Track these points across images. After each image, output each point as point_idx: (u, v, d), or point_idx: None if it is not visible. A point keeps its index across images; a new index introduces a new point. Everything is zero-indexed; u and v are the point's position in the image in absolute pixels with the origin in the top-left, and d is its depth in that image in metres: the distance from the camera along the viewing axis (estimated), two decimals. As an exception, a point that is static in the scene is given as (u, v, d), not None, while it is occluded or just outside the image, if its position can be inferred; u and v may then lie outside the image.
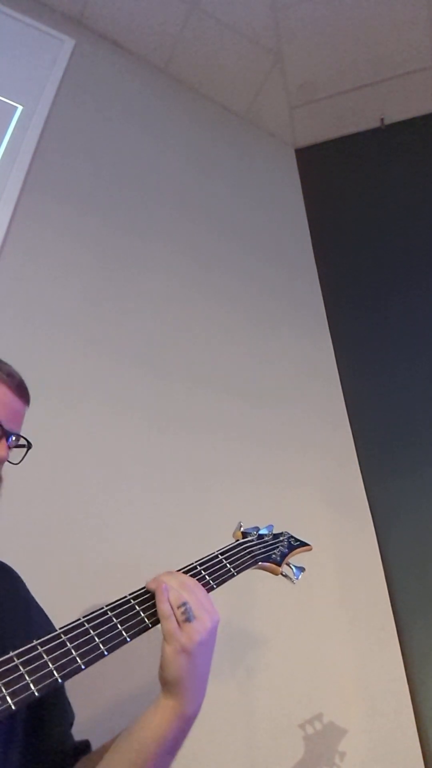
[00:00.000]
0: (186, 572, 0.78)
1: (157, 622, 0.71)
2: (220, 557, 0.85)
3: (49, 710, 0.79)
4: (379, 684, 1.45)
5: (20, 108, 1.89)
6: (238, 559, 0.87)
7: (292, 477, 1.68)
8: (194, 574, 0.78)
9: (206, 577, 0.79)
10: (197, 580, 0.77)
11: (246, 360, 1.86)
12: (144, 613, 0.70)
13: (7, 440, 0.82)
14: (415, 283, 2.10)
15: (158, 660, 0.71)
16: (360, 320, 2.10)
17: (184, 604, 0.71)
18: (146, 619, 0.70)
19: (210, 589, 0.77)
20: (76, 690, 0.83)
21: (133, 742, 0.72)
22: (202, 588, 0.75)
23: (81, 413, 1.47)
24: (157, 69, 2.40)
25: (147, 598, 0.73)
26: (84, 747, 0.81)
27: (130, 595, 0.72)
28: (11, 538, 1.03)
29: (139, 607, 0.71)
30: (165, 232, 1.98)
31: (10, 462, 0.86)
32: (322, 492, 1.69)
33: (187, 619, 0.70)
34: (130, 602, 0.71)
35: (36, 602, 0.88)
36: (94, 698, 1.09)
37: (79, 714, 0.84)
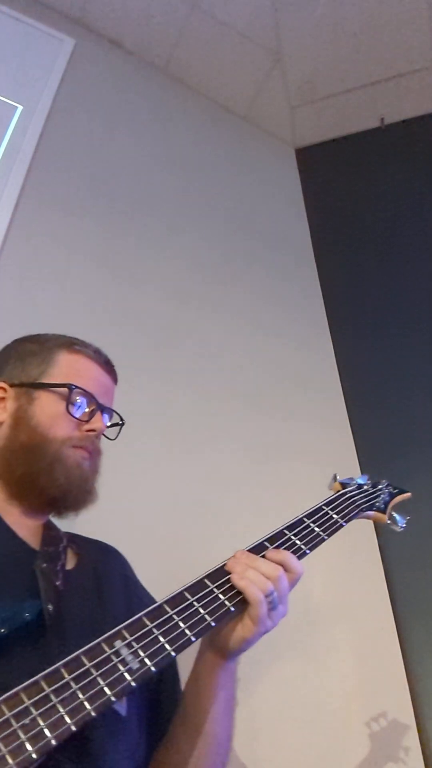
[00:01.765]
0: (275, 537, 0.76)
1: (238, 604, 0.69)
2: (325, 508, 0.84)
3: (165, 691, 0.80)
4: (379, 684, 1.45)
5: (20, 108, 1.89)
6: (343, 509, 0.85)
7: (293, 480, 1.68)
8: (284, 541, 0.76)
9: (297, 542, 0.76)
10: (288, 546, 0.75)
11: (244, 361, 1.85)
12: (224, 596, 0.68)
13: (102, 414, 0.86)
14: (416, 284, 2.10)
15: None
16: (360, 320, 2.10)
17: (271, 593, 0.70)
18: (227, 602, 0.68)
19: (302, 555, 0.76)
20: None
21: (191, 709, 0.73)
22: (284, 574, 0.72)
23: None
24: (157, 69, 2.40)
25: (227, 580, 0.70)
26: None
27: (205, 576, 0.70)
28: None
29: (218, 590, 0.68)
30: (165, 232, 1.98)
31: (107, 437, 0.89)
32: (322, 492, 1.68)
33: (273, 607, 0.70)
34: (207, 585, 0.69)
35: (141, 585, 0.90)
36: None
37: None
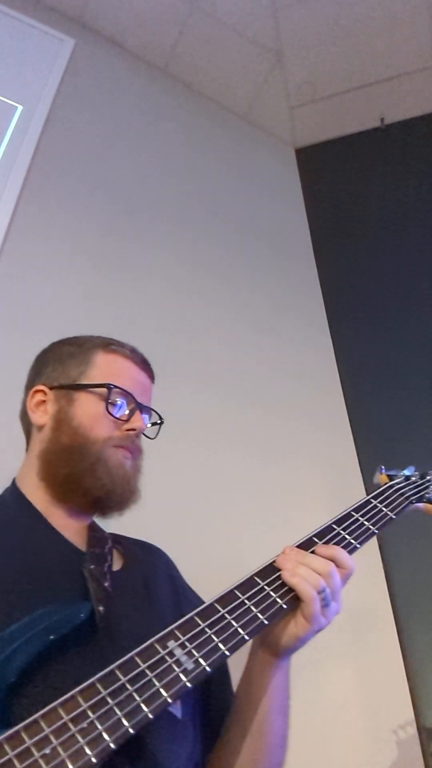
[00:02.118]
0: (323, 533, 0.75)
1: (290, 602, 0.67)
2: (373, 501, 0.82)
3: (216, 693, 0.79)
4: (379, 684, 1.45)
5: (20, 108, 1.89)
6: (392, 502, 0.84)
7: (293, 480, 1.68)
8: (334, 536, 0.75)
9: (347, 537, 0.75)
10: (338, 541, 0.74)
11: (244, 360, 1.85)
12: (275, 594, 0.67)
13: (141, 412, 0.86)
14: (415, 283, 2.10)
15: None
16: (360, 319, 2.10)
17: (324, 590, 0.68)
18: (279, 600, 0.66)
19: (353, 550, 0.74)
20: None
21: (245, 709, 0.72)
22: (335, 570, 0.71)
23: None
24: (157, 69, 2.40)
25: (277, 577, 0.68)
26: None
27: (254, 574, 0.68)
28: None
29: (269, 587, 0.67)
30: (165, 232, 1.98)
31: (147, 436, 0.90)
32: (322, 492, 1.68)
33: (326, 604, 0.69)
34: (258, 583, 0.67)
35: (186, 583, 0.89)
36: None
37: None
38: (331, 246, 2.31)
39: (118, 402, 0.85)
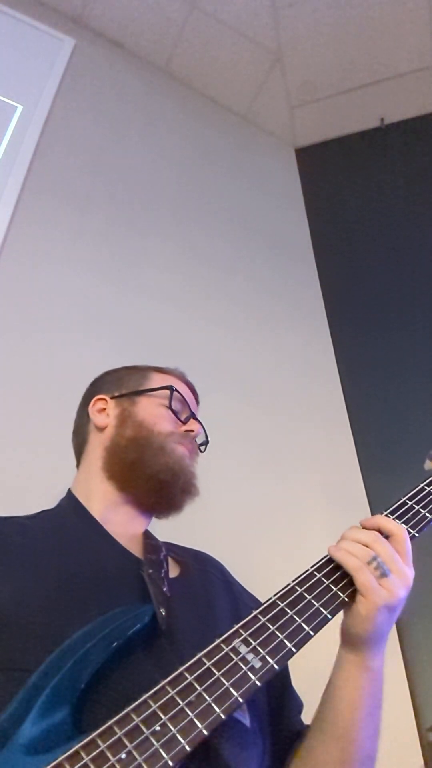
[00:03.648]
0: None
1: (352, 594, 0.65)
2: (427, 488, 0.79)
3: (280, 700, 0.78)
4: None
5: (20, 108, 1.89)
6: None
7: (292, 477, 1.68)
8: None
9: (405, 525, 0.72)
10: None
11: (245, 360, 1.85)
12: (335, 587, 0.64)
13: (201, 426, 0.92)
14: (416, 283, 2.10)
15: None
16: (360, 320, 2.10)
17: (375, 558, 0.66)
18: (340, 593, 0.64)
19: (411, 538, 0.71)
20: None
21: (329, 716, 0.68)
22: (403, 535, 0.69)
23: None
24: (157, 69, 2.40)
25: (333, 569, 0.66)
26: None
27: (312, 567, 0.67)
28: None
29: (327, 580, 0.65)
30: (165, 233, 1.98)
31: (199, 448, 0.93)
32: (322, 491, 1.68)
33: (383, 574, 0.66)
34: (315, 575, 0.66)
35: (244, 588, 0.89)
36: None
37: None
38: (331, 246, 2.31)
39: (179, 407, 0.90)
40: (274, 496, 1.61)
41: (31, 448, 1.33)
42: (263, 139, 2.56)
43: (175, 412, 0.88)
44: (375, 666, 0.68)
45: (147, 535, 0.84)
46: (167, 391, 0.90)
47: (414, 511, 0.75)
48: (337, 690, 0.69)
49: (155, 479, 0.82)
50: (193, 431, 0.89)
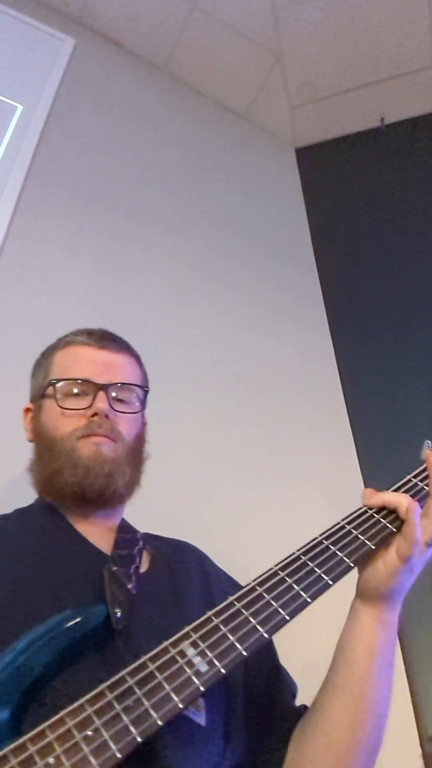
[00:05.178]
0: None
1: (379, 543, 0.65)
2: (413, 480, 0.76)
3: (267, 686, 0.76)
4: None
5: (20, 108, 1.89)
6: None
7: (291, 470, 1.68)
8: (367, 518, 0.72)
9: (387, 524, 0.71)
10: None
11: (245, 360, 1.85)
12: (298, 586, 0.62)
13: (105, 392, 0.82)
14: (417, 284, 2.10)
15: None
16: (360, 320, 2.10)
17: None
18: (302, 593, 0.62)
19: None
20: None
21: (343, 669, 0.67)
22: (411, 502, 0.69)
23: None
24: (157, 68, 2.40)
25: (297, 569, 0.65)
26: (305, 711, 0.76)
27: (279, 568, 0.65)
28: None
29: (289, 579, 0.63)
30: (165, 233, 1.98)
31: (124, 411, 0.85)
32: (320, 485, 1.68)
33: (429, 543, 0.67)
34: (278, 574, 0.64)
35: (227, 576, 0.87)
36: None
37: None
38: (331, 246, 2.31)
39: (75, 391, 0.82)
40: (272, 494, 1.61)
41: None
42: (263, 139, 2.56)
43: (67, 408, 0.81)
44: (391, 620, 0.68)
45: (122, 529, 0.82)
46: (51, 387, 0.83)
47: (416, 486, 0.75)
48: (352, 642, 0.68)
49: (71, 491, 0.78)
50: (95, 414, 0.80)
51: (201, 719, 0.62)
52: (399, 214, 2.28)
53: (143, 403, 0.90)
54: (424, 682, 1.46)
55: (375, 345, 2.03)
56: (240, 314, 1.95)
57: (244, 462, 1.64)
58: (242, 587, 0.62)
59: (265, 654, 0.79)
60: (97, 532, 0.79)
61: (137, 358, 0.95)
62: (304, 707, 0.75)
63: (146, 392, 0.90)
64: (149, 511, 1.40)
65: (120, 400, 0.85)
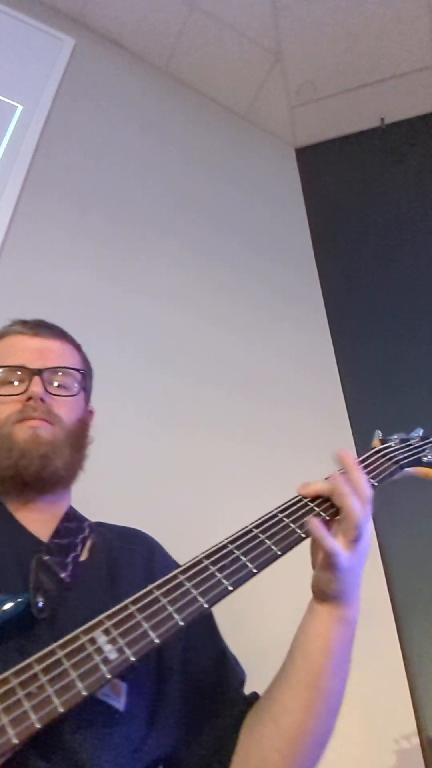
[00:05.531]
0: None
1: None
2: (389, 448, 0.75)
3: (210, 672, 0.75)
4: (379, 684, 1.44)
5: (20, 108, 1.89)
6: (376, 468, 0.76)
7: (291, 474, 1.67)
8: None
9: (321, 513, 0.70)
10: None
11: (245, 359, 1.85)
12: (220, 574, 0.61)
13: (40, 376, 0.83)
14: (415, 282, 2.10)
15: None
16: (360, 320, 2.10)
17: (362, 524, 0.67)
18: (223, 581, 0.61)
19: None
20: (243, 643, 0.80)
21: (299, 661, 0.67)
22: (370, 493, 0.69)
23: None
24: (157, 68, 2.40)
25: (221, 557, 0.64)
26: (255, 701, 0.76)
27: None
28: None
29: (213, 567, 0.62)
30: (165, 232, 1.98)
31: (59, 394, 0.85)
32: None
33: (358, 538, 0.67)
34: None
35: (177, 565, 0.85)
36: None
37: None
38: (331, 246, 2.31)
39: (11, 379, 0.83)
40: (272, 494, 1.61)
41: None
42: (263, 139, 2.56)
43: (4, 395, 0.81)
44: (347, 616, 0.68)
45: (67, 518, 0.82)
46: None
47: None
48: (309, 637, 0.68)
49: (8, 474, 0.78)
50: (30, 398, 0.80)
51: (119, 704, 0.62)
52: (399, 213, 2.28)
53: (84, 388, 0.90)
54: (424, 682, 1.45)
55: (375, 345, 2.03)
56: (239, 314, 1.95)
57: (246, 454, 1.64)
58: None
59: (210, 640, 0.79)
60: (39, 519, 0.79)
61: (75, 345, 0.96)
62: (255, 695, 0.75)
63: (84, 376, 0.91)
64: (154, 499, 1.41)
65: (58, 385, 0.86)
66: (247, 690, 0.77)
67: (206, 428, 1.63)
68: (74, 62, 2.11)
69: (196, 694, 0.72)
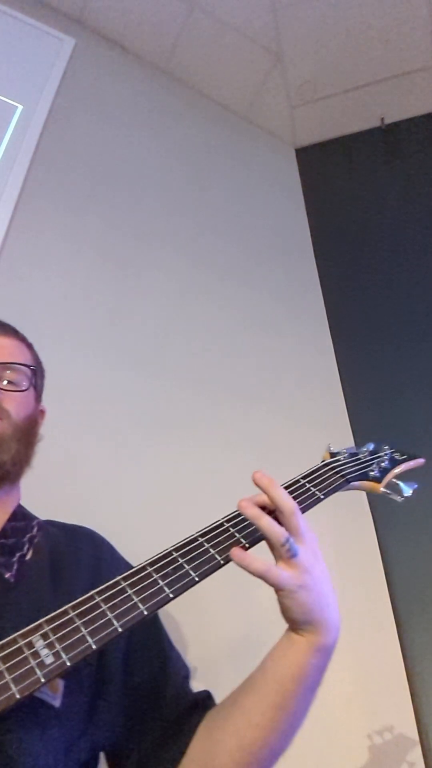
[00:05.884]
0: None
1: (229, 559, 0.64)
2: (302, 481, 0.76)
3: (151, 667, 0.76)
4: (379, 684, 1.44)
5: (20, 108, 1.89)
6: (324, 481, 0.77)
7: (289, 471, 1.68)
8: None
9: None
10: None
11: (246, 360, 1.85)
12: (162, 581, 0.62)
13: None
14: (415, 283, 2.10)
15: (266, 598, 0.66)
16: (360, 320, 2.10)
17: (288, 539, 0.65)
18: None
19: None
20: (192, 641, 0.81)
21: (271, 682, 0.68)
22: (294, 506, 0.68)
23: (79, 414, 1.47)
24: (157, 68, 2.40)
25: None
26: (205, 698, 0.77)
27: (198, 533, 0.67)
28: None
29: (156, 574, 0.62)
30: (165, 232, 1.98)
31: (11, 389, 0.86)
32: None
33: (293, 555, 0.65)
34: (198, 540, 0.66)
35: (126, 563, 0.86)
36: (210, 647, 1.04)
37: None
38: (331, 246, 2.31)
39: None
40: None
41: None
42: (263, 139, 2.56)
43: None
44: (327, 643, 0.68)
45: (14, 516, 0.83)
46: None
47: (304, 488, 0.75)
48: (283, 662, 0.68)
49: None
50: None
51: (56, 701, 0.63)
52: (399, 213, 2.28)
53: (35, 385, 0.92)
54: (424, 682, 1.46)
55: (375, 344, 2.03)
56: (239, 313, 1.95)
57: (243, 454, 1.64)
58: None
59: (153, 639, 0.80)
60: None
61: (26, 343, 0.97)
62: (206, 693, 0.77)
63: (35, 373, 0.92)
64: (153, 504, 1.41)
65: (8, 382, 0.87)
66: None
67: (206, 437, 1.63)
68: (74, 62, 2.11)
69: (139, 690, 0.73)
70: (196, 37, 2.29)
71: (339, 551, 1.59)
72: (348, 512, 1.69)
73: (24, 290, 1.59)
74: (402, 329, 2.03)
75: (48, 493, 1.32)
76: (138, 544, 1.36)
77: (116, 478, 1.43)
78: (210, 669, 1.07)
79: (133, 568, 0.63)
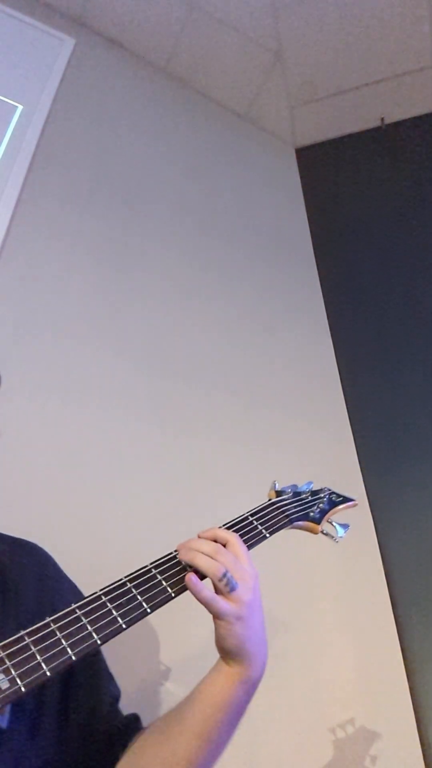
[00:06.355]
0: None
1: (181, 590, 0.67)
2: (250, 518, 0.80)
3: (85, 689, 0.76)
4: (379, 684, 1.44)
5: (20, 108, 1.89)
6: (269, 520, 0.81)
7: (292, 478, 1.68)
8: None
9: None
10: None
11: (246, 360, 1.85)
12: (166, 582, 0.67)
13: None
14: (415, 283, 2.10)
15: (203, 625, 0.69)
16: (360, 320, 2.10)
17: (225, 574, 0.68)
18: (169, 589, 0.67)
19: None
20: (122, 664, 0.82)
21: (197, 712, 0.70)
22: (237, 541, 0.72)
23: (80, 412, 1.47)
24: (157, 68, 2.40)
25: (172, 565, 0.69)
26: (133, 721, 0.78)
27: (151, 564, 0.69)
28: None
29: (161, 576, 0.67)
30: (165, 232, 1.98)
31: None
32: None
33: (232, 589, 0.68)
34: (152, 572, 0.68)
35: (69, 581, 0.86)
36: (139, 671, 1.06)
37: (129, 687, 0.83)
38: (331, 245, 2.31)
39: None
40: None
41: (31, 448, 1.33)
42: (263, 139, 2.56)
43: None
44: (253, 677, 0.71)
45: None
46: None
47: (252, 526, 0.78)
48: (208, 691, 0.70)
49: None
50: None
51: (3, 721, 0.64)
52: (399, 213, 2.28)
53: None
54: (424, 682, 1.46)
55: (375, 344, 2.03)
56: (239, 313, 1.95)
57: (245, 462, 1.64)
58: (83, 597, 0.64)
59: (88, 660, 0.80)
60: None
61: None
62: (135, 716, 0.79)
63: None
64: (146, 505, 1.41)
65: None
66: None
67: (206, 436, 1.63)
68: (74, 62, 2.11)
69: (72, 709, 0.74)
70: (196, 37, 2.29)
71: (339, 551, 1.58)
72: (348, 512, 1.69)
73: (24, 290, 1.59)
74: (402, 328, 2.03)
75: (48, 493, 1.32)
76: (137, 541, 1.36)
77: (116, 477, 1.43)
78: (186, 670, 1.07)
79: (82, 594, 0.65)
